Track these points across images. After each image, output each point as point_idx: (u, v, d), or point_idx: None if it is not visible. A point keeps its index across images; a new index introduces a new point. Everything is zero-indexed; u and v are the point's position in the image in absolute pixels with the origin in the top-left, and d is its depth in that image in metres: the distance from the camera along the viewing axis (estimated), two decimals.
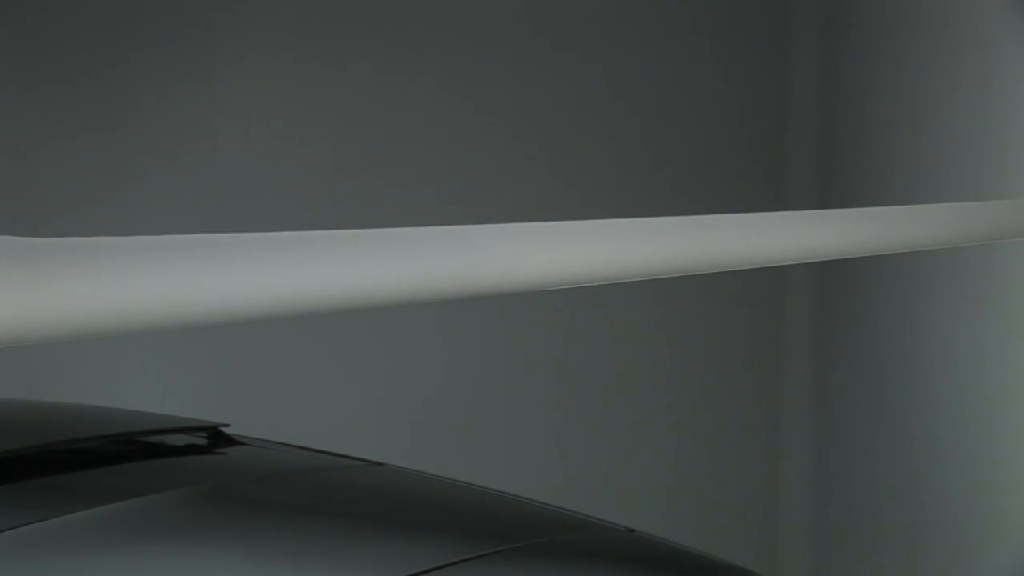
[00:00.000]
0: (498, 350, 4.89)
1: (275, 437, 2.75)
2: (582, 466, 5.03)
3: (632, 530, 2.37)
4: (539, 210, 4.80)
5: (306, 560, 1.98)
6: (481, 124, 4.83)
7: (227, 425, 2.58)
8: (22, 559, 1.89)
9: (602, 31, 4.98)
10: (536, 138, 4.90)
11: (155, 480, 2.29)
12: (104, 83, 4.40)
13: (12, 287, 1.30)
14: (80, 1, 4.38)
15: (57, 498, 2.13)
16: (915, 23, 4.65)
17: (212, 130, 4.51)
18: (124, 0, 4.43)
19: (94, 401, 3.81)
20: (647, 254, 1.87)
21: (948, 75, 4.49)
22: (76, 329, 1.34)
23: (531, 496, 2.52)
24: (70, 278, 1.34)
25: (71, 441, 2.40)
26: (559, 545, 2.23)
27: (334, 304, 1.56)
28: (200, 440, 2.54)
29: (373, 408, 4.73)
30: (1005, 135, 4.25)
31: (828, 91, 5.07)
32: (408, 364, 4.77)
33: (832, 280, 5.06)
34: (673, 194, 5.05)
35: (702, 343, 5.18)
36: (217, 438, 2.55)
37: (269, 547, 2.05)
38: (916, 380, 4.66)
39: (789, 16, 5.17)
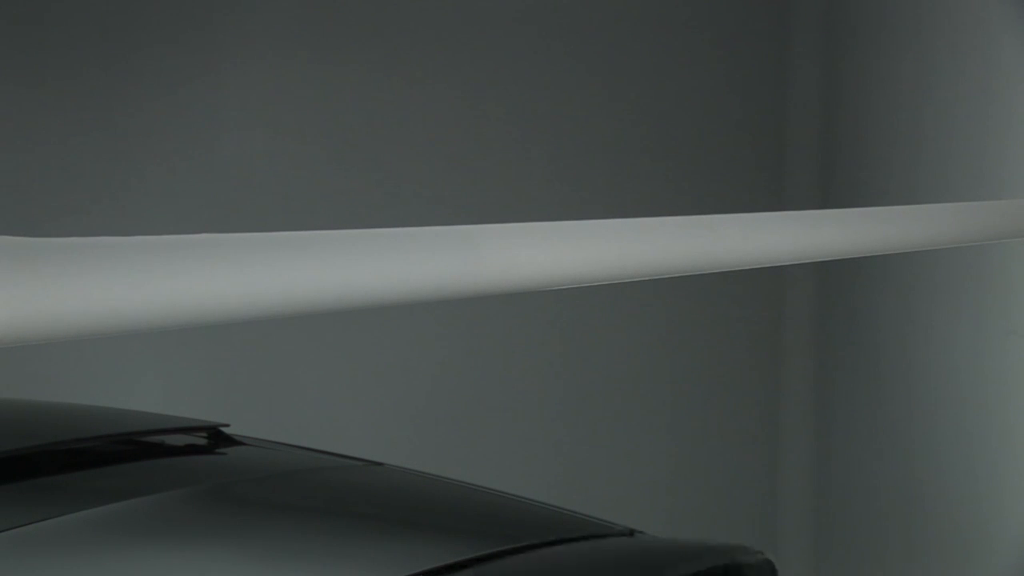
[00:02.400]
0: (498, 350, 4.89)
1: (275, 437, 2.75)
2: (582, 466, 5.03)
3: (632, 530, 2.37)
4: (539, 210, 4.80)
5: (306, 560, 1.98)
6: (481, 124, 4.83)
7: (227, 425, 2.58)
8: (22, 559, 1.89)
9: (602, 31, 4.98)
10: (536, 138, 4.90)
11: (155, 480, 2.29)
12: (104, 83, 4.40)
13: (12, 287, 1.30)
14: (80, 1, 4.37)
15: (57, 498, 2.13)
16: (915, 24, 4.65)
17: (212, 130, 4.51)
18: (124, 0, 4.43)
19: (94, 401, 3.81)
20: (647, 254, 1.87)
21: (948, 75, 4.49)
22: (76, 329, 1.34)
23: (531, 496, 2.51)
24: (70, 278, 1.33)
25: (71, 441, 2.40)
26: (559, 545, 2.23)
27: (334, 304, 1.56)
28: (200, 440, 2.53)
29: (373, 408, 4.72)
30: (1005, 135, 4.25)
31: (828, 91, 5.07)
32: (408, 364, 4.77)
33: (832, 280, 5.06)
34: (673, 194, 5.05)
35: (702, 343, 5.18)
36: (217, 438, 2.54)
37: (269, 547, 2.04)
38: (916, 380, 4.66)
39: (789, 16, 5.17)
